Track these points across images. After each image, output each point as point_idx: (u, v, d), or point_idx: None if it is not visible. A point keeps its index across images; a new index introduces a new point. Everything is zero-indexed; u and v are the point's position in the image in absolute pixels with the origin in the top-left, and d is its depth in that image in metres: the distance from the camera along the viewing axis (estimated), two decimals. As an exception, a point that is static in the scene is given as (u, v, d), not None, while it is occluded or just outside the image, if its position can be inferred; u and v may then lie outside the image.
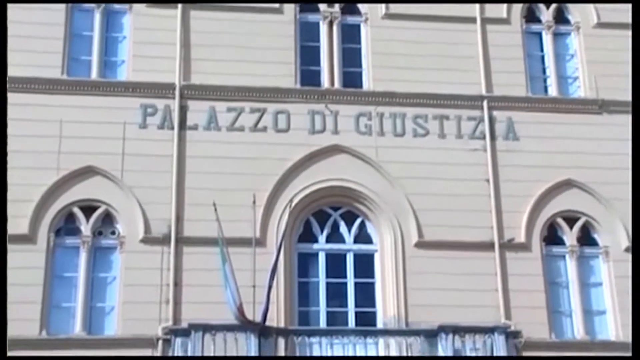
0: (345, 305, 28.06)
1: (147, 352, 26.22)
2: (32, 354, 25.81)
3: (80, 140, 27.91)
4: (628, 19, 31.04)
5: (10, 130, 27.49)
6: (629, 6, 31.31)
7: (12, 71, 28.14)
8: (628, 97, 29.62)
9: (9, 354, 25.37)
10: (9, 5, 29.07)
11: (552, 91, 31.20)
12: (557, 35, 32.19)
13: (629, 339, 26.88)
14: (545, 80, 31.59)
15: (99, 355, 26.19)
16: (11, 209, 26.63)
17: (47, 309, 26.51)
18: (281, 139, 29.11)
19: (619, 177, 28.96)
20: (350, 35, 31.24)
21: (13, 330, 25.18)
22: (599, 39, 31.67)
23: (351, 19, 31.33)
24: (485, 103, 30.05)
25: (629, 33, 30.57)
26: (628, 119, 29.28)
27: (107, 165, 27.86)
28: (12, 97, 27.84)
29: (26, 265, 26.47)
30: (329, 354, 26.42)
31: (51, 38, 29.32)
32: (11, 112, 27.57)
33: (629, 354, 26.84)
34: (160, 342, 26.11)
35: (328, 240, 28.71)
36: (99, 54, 29.87)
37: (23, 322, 25.81)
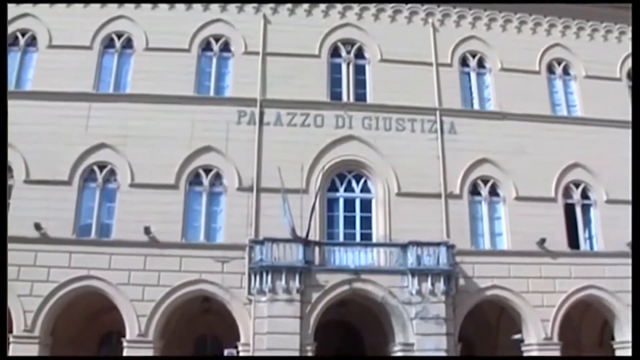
0: (354, 229, 29.49)
1: (240, 254, 27.55)
2: (176, 252, 27.41)
3: (203, 131, 29.30)
4: (521, 66, 32.36)
5: (161, 125, 29.17)
6: (524, 57, 32.49)
7: (162, 91, 29.67)
8: (519, 110, 31.21)
9: (166, 252, 27.46)
10: (157, 54, 30.59)
11: (476, 106, 32.02)
12: (479, 75, 32.56)
13: (516, 248, 29.21)
14: (472, 100, 32.18)
15: (212, 255, 27.64)
16: (164, 170, 28.52)
17: (185, 227, 28.17)
18: (319, 131, 30.17)
19: (512, 158, 30.41)
20: (360, 71, 31.85)
21: (166, 238, 27.60)
22: (502, 77, 32.21)
23: (360, 62, 31.90)
24: (438, 112, 30.87)
25: (520, 74, 32.14)
26: (519, 124, 31.07)
27: (218, 145, 29.25)
28: (161, 107, 29.45)
29: (173, 202, 28.33)
30: (344, 257, 27.46)
31: (187, 73, 30.44)
32: (161, 116, 29.34)
33: (515, 258, 28.94)
34: (247, 248, 27.58)
35: (345, 191, 29.94)
36: (215, 81, 30.89)
37: (172, 233, 27.81)
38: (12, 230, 26.41)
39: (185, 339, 31.07)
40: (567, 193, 30.88)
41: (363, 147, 30.30)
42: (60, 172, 28.29)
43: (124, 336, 26.80)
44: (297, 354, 25.54)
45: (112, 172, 28.84)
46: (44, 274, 26.74)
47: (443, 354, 26.17)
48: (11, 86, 29.71)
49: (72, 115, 28.98)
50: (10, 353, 25.78)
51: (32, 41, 30.99)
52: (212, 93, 30.80)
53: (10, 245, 25.65)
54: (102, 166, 28.79)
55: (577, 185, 31.01)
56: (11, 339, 26.03)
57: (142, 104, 29.54)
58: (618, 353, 28.99)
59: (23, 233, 26.94)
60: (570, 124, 31.93)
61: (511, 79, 32.26)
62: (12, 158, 28.15)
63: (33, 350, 25.94)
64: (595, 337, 32.15)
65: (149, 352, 26.43)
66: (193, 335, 31.51)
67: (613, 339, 29.50)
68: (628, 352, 27.53)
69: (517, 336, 29.14)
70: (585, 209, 31.04)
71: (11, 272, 25.92)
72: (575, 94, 33.07)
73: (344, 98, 31.32)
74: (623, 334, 28.69)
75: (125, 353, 26.46)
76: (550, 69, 33.28)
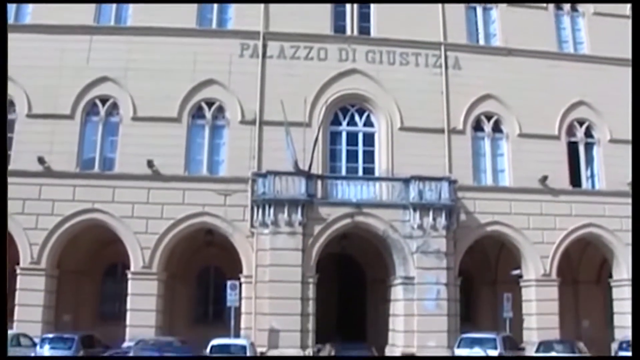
0: (357, 162, 29.76)
1: (243, 186, 27.81)
2: (178, 185, 27.70)
3: (205, 64, 29.11)
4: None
5: (163, 58, 28.86)
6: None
7: (164, 23, 29.34)
8: (525, 46, 30.88)
9: (169, 185, 27.63)
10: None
11: (481, 41, 31.87)
12: (485, 9, 32.15)
13: (518, 185, 29.46)
14: (477, 35, 31.94)
15: (215, 188, 28.02)
16: (166, 103, 28.40)
17: (188, 160, 28.48)
18: (322, 64, 30.04)
19: (516, 94, 30.35)
20: (364, 5, 31.51)
21: (169, 171, 27.79)
22: (508, 13, 31.79)
23: (366, -4, 31.10)
24: (442, 47, 30.72)
25: (527, 10, 31.65)
26: (524, 60, 30.77)
27: (221, 78, 29.28)
28: (163, 40, 29.23)
29: (175, 135, 28.52)
30: (347, 190, 27.76)
31: (189, 5, 30.00)
32: (163, 49, 29.06)
33: (517, 195, 29.16)
34: (250, 180, 27.86)
35: (348, 124, 30.09)
36: (217, 13, 30.56)
37: (175, 166, 28.06)
38: (15, 164, 26.86)
39: (189, 271, 31.62)
40: (570, 131, 30.96)
41: (366, 81, 30.31)
42: (63, 106, 28.35)
43: (128, 268, 27.33)
44: (299, 285, 26.13)
45: (115, 106, 28.91)
46: (48, 207, 27.11)
47: (443, 287, 26.80)
48: (10, 19, 29.36)
49: (73, 48, 28.90)
50: (18, 285, 26.39)
51: (31, -28, 30.57)
52: (214, 25, 30.64)
53: (14, 179, 26.12)
54: (104, 99, 28.83)
55: (581, 124, 31.06)
56: (18, 271, 26.58)
57: (143, 36, 29.47)
58: (615, 291, 29.51)
59: (27, 167, 27.16)
60: (576, 61, 31.83)
61: (518, 14, 32.01)
62: (14, 92, 28.19)
63: (40, 282, 26.53)
64: (593, 274, 32.67)
65: (154, 284, 27.00)
66: (196, 267, 32.06)
67: (611, 276, 30.00)
68: (624, 290, 28.30)
69: (516, 271, 29.69)
70: (589, 147, 31.18)
71: (16, 205, 26.43)
72: (582, 31, 32.89)
73: (348, 31, 31.22)
74: (620, 272, 29.26)
75: (130, 284, 27.01)
76: (558, 5, 32.93)
